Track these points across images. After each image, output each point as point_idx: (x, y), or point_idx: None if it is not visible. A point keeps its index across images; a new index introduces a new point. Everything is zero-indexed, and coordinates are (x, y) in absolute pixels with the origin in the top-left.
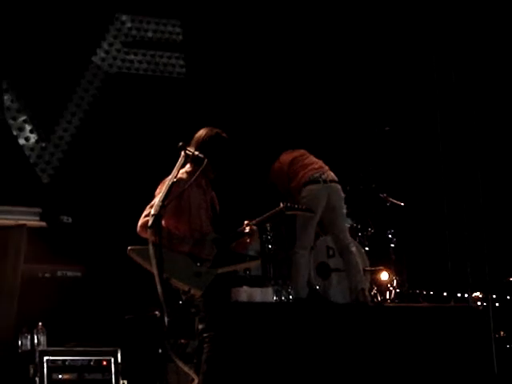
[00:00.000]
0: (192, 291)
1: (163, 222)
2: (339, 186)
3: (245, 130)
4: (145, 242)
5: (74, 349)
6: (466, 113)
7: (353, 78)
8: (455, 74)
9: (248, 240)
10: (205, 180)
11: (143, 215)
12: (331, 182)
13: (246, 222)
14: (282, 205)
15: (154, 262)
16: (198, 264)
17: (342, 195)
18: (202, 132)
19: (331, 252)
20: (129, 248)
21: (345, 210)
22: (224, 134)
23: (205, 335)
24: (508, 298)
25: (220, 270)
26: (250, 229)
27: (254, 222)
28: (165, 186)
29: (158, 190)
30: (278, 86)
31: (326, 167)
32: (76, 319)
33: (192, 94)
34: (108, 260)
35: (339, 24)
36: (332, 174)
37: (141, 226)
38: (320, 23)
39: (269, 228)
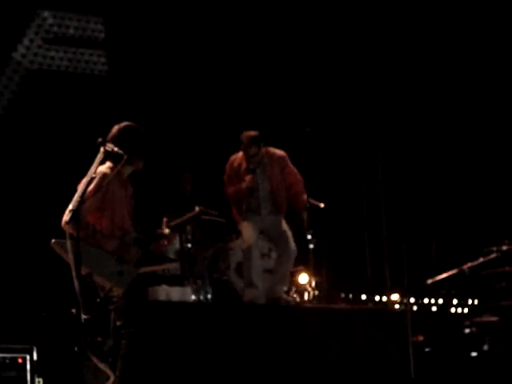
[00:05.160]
0: (114, 289)
1: (88, 218)
2: None
3: (165, 127)
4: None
5: None
6: (387, 112)
7: (275, 79)
8: (375, 79)
9: (166, 242)
10: (126, 175)
11: (67, 212)
12: None
13: (164, 223)
14: (197, 209)
15: (71, 256)
16: (121, 263)
17: None
18: (113, 128)
19: None
20: (52, 241)
21: None
22: (134, 125)
23: (123, 331)
24: (426, 301)
25: (142, 270)
26: (169, 231)
27: (172, 224)
28: (83, 182)
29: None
30: (198, 85)
31: None
32: None
33: (113, 91)
34: (24, 257)
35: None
36: None
37: (65, 221)
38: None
39: (188, 228)
